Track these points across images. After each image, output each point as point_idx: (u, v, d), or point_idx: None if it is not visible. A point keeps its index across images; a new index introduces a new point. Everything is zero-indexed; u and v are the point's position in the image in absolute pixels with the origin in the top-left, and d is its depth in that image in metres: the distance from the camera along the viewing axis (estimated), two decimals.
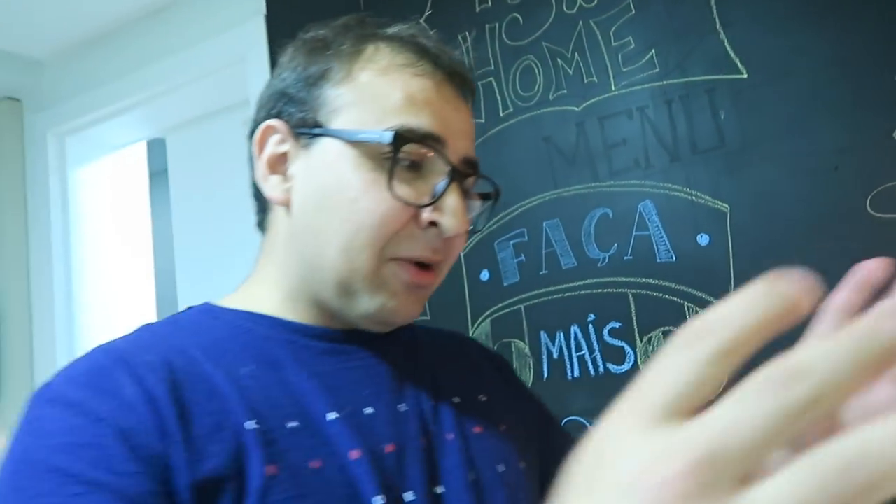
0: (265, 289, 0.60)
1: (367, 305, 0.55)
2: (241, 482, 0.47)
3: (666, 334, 1.13)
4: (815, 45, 1.03)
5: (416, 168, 0.55)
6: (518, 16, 1.29)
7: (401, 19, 0.61)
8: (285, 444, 0.50)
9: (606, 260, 1.19)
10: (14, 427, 0.49)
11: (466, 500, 0.56)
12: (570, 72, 1.24)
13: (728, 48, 1.10)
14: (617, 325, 1.17)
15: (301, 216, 0.57)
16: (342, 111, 0.56)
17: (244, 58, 1.73)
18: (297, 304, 0.59)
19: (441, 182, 0.55)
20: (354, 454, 0.52)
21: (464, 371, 0.68)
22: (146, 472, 0.45)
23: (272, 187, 0.58)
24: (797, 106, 1.04)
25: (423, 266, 0.56)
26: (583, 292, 1.21)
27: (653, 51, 1.16)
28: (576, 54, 1.23)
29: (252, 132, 0.60)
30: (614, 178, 1.19)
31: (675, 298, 1.12)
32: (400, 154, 0.53)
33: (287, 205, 0.58)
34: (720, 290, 1.09)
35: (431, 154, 0.55)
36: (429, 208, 0.54)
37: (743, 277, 1.07)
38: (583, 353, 1.18)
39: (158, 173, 2.46)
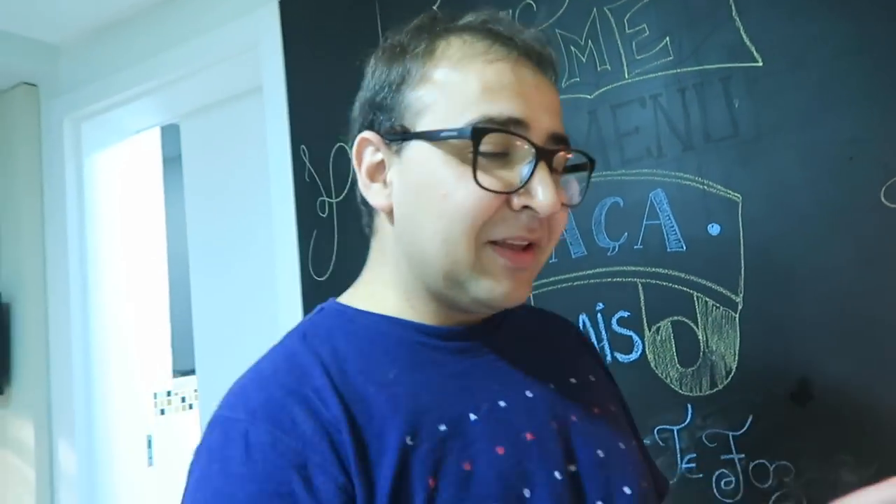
0: (384, 289, 0.63)
1: (475, 292, 0.57)
2: (409, 498, 0.50)
3: (674, 324, 1.12)
4: (832, 34, 1.01)
5: (504, 154, 0.56)
6: (532, 2, 1.29)
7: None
8: (441, 452, 0.53)
9: (616, 249, 1.19)
10: (200, 452, 0.53)
11: (598, 476, 0.59)
12: (584, 59, 1.23)
13: (743, 36, 1.09)
14: (626, 314, 1.17)
15: (402, 218, 0.60)
16: (425, 112, 0.58)
17: (258, 44, 1.73)
18: (417, 302, 0.62)
19: (528, 165, 0.56)
20: (500, 450, 0.55)
21: (572, 354, 0.72)
22: None
23: (374, 195, 0.61)
24: (812, 95, 1.03)
25: (522, 247, 0.58)
26: (592, 281, 1.20)
27: (667, 38, 1.15)
28: (589, 41, 1.23)
29: (352, 146, 0.64)
30: (626, 166, 1.18)
31: (685, 288, 1.12)
32: (482, 146, 0.54)
33: (390, 210, 0.61)
34: (730, 280, 1.08)
35: (516, 140, 0.56)
36: (519, 192, 0.56)
37: (753, 268, 1.06)
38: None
39: (172, 159, 2.48)
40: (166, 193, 2.51)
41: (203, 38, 1.84)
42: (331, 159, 1.60)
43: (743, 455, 1.06)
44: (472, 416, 0.57)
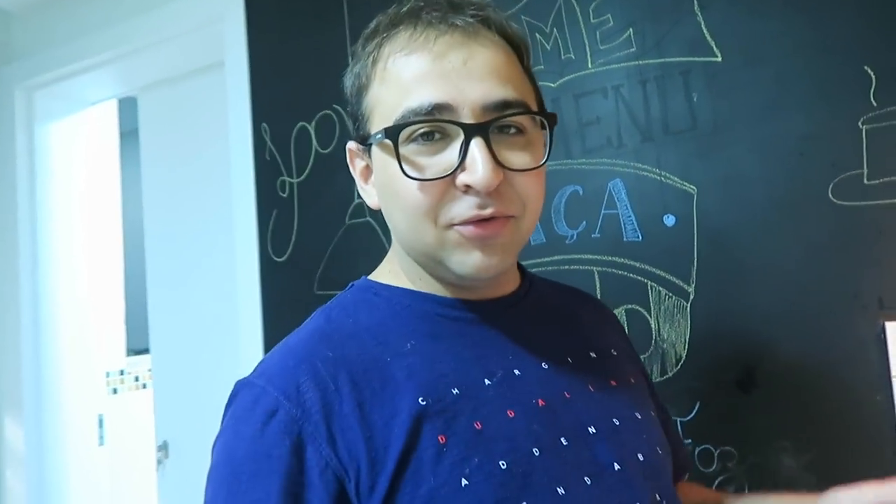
0: (400, 268, 0.68)
1: (453, 267, 0.60)
2: (420, 453, 0.54)
3: (628, 312, 1.14)
4: (790, 32, 1.04)
5: (443, 136, 0.58)
6: None
7: None
8: (452, 412, 0.57)
9: (575, 237, 1.20)
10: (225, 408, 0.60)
11: (615, 440, 0.62)
12: (549, 47, 1.23)
13: (705, 31, 1.10)
14: None
15: (385, 213, 0.65)
16: (372, 116, 0.62)
17: (221, 18, 1.69)
18: (426, 281, 0.66)
19: (461, 144, 0.57)
20: (511, 413, 0.59)
21: (593, 327, 0.75)
22: (317, 485, 0.53)
23: (368, 196, 0.68)
24: (768, 91, 1.05)
25: (486, 218, 0.59)
26: (550, 268, 1.22)
27: (631, 29, 1.16)
28: (554, 29, 1.23)
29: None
30: (587, 155, 1.19)
31: (639, 277, 1.14)
32: (408, 137, 0.58)
33: (379, 208, 0.66)
34: (683, 270, 1.10)
35: (442, 123, 0.57)
36: (459, 171, 0.57)
37: (705, 259, 1.09)
38: None
39: (129, 133, 2.41)
40: (122, 168, 2.45)
41: (164, 8, 1.79)
42: (292, 138, 1.58)
43: (689, 440, 1.09)
44: (487, 381, 0.60)
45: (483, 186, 0.56)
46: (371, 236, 1.44)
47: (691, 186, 1.10)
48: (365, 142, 0.64)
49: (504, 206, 0.58)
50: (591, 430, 0.62)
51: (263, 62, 1.64)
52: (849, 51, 1.00)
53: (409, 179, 0.57)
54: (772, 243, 1.04)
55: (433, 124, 0.57)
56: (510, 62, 0.61)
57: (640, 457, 0.63)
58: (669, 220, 1.12)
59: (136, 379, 2.93)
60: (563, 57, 1.22)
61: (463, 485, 0.53)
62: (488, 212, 0.57)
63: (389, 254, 0.71)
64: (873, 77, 0.98)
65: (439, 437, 0.55)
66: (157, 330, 1.99)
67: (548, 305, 0.73)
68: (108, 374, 2.74)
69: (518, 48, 0.64)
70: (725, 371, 1.07)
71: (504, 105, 0.58)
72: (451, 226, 0.58)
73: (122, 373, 2.86)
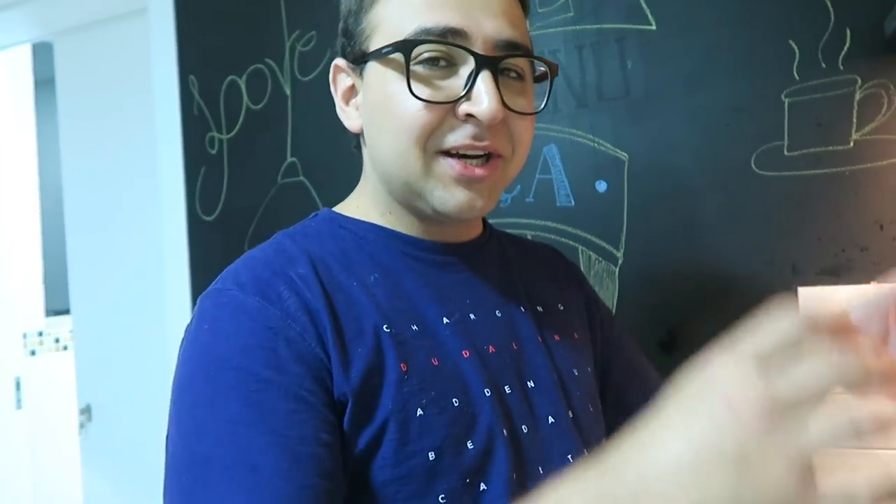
0: (370, 201, 0.67)
1: (431, 201, 0.60)
2: (381, 376, 0.55)
3: None
4: (721, 3, 1.06)
5: (449, 65, 0.58)
6: None
7: None
8: (412, 346, 0.58)
9: (509, 201, 1.21)
10: (191, 323, 0.57)
11: (553, 394, 0.65)
12: None
13: None
14: None
15: (368, 137, 0.64)
16: (375, 33, 0.61)
17: None
18: (395, 216, 0.66)
19: (469, 73, 0.57)
20: (466, 353, 0.61)
21: (546, 282, 0.76)
22: (309, 374, 0.53)
23: (347, 118, 0.66)
24: (699, 61, 1.07)
25: (478, 158, 0.60)
26: None
27: None
28: None
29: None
30: None
31: (571, 242, 1.16)
32: (419, 58, 0.57)
33: (361, 131, 0.65)
34: (613, 236, 1.13)
35: (455, 49, 0.57)
36: (462, 101, 0.58)
37: (634, 225, 1.12)
38: None
39: (45, 81, 2.27)
40: (38, 119, 2.31)
41: None
42: (222, 92, 1.52)
43: None
44: (445, 320, 0.62)
45: (488, 118, 0.56)
46: (304, 196, 1.41)
47: (623, 153, 1.13)
48: (361, 59, 0.62)
49: (498, 143, 0.60)
50: (531, 384, 0.65)
51: (191, 10, 1.56)
52: (775, 24, 1.03)
53: (411, 98, 0.57)
54: (697, 210, 1.08)
55: (447, 47, 0.57)
56: (519, 10, 0.63)
57: (571, 413, 0.66)
58: (601, 186, 1.14)
59: (57, 340, 2.82)
60: None
61: (418, 414, 0.55)
62: (483, 143, 0.59)
63: (359, 187, 0.70)
64: (797, 51, 1.02)
65: (401, 364, 0.57)
66: (77, 290, 1.91)
67: (505, 256, 0.75)
68: (25, 336, 2.63)
69: (525, 3, 0.66)
70: (650, 333, 1.11)
71: (513, 45, 0.59)
72: (440, 153, 0.59)
73: (40, 334, 2.75)
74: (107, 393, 1.82)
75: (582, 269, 1.15)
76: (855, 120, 0.99)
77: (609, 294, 1.14)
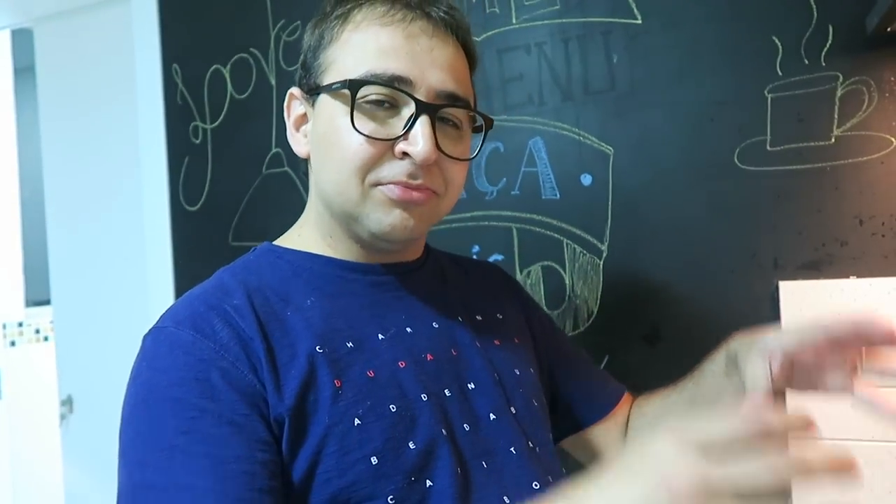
0: (311, 230, 0.72)
1: (368, 225, 0.65)
2: (316, 393, 0.59)
3: (544, 269, 1.17)
4: None
5: (393, 107, 0.63)
6: None
7: None
8: (346, 362, 0.62)
9: (494, 194, 1.21)
10: (135, 360, 0.60)
11: (493, 393, 0.69)
12: (473, 0, 1.22)
13: None
14: (500, 257, 1.21)
15: (314, 164, 0.69)
16: (330, 69, 0.66)
17: None
18: (335, 240, 0.70)
19: (409, 116, 0.63)
20: (402, 364, 0.65)
21: (485, 294, 0.81)
22: (242, 400, 0.56)
23: (297, 143, 0.71)
24: (683, 56, 1.08)
25: (412, 184, 0.64)
26: (469, 224, 1.23)
27: None
28: None
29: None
30: (508, 112, 1.20)
31: (556, 235, 1.17)
32: (364, 97, 0.62)
33: (308, 157, 0.70)
34: (597, 229, 1.14)
35: (399, 94, 0.63)
36: (401, 140, 0.63)
37: (619, 218, 1.12)
38: None
39: (25, 69, 2.24)
40: (17, 107, 2.27)
41: None
42: (206, 82, 1.50)
43: None
44: (380, 336, 0.66)
45: (421, 158, 0.62)
46: (289, 186, 1.41)
47: (608, 147, 1.13)
48: (314, 90, 0.67)
49: (431, 182, 0.64)
50: (471, 385, 0.69)
51: None
52: (759, 20, 1.04)
53: (355, 133, 0.62)
54: (681, 204, 1.09)
55: (392, 91, 0.62)
56: (464, 67, 0.69)
57: (513, 409, 0.70)
58: (586, 180, 1.15)
59: (37, 331, 2.79)
60: (487, 11, 1.21)
61: (356, 424, 0.59)
62: (417, 182, 0.63)
63: (304, 214, 0.74)
64: (780, 47, 1.02)
65: (335, 381, 0.60)
66: (58, 280, 1.89)
67: (444, 273, 0.80)
68: (4, 326, 2.60)
69: (472, 59, 0.71)
70: (634, 326, 1.12)
71: (454, 97, 0.65)
72: (376, 185, 0.63)
73: (20, 325, 2.72)
74: (88, 384, 1.80)
75: (566, 262, 1.16)
76: (836, 116, 1.00)
77: (593, 287, 1.14)
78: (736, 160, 1.05)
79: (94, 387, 1.79)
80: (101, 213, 1.77)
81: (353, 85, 0.62)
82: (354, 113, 0.62)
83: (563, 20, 1.16)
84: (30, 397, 2.60)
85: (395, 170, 0.63)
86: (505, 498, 0.64)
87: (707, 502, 0.37)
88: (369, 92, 0.62)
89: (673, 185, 1.09)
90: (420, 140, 0.62)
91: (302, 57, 0.71)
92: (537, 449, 0.70)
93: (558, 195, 1.17)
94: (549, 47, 1.17)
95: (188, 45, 1.53)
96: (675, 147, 1.09)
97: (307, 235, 0.72)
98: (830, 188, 1.01)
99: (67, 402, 1.81)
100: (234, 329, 0.59)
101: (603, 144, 1.13)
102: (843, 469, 0.38)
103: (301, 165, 0.74)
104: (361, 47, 0.64)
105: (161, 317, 0.63)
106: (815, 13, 1.01)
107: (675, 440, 0.40)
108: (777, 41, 1.03)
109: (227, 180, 1.49)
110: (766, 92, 1.03)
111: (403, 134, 0.63)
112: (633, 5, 1.11)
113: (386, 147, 0.63)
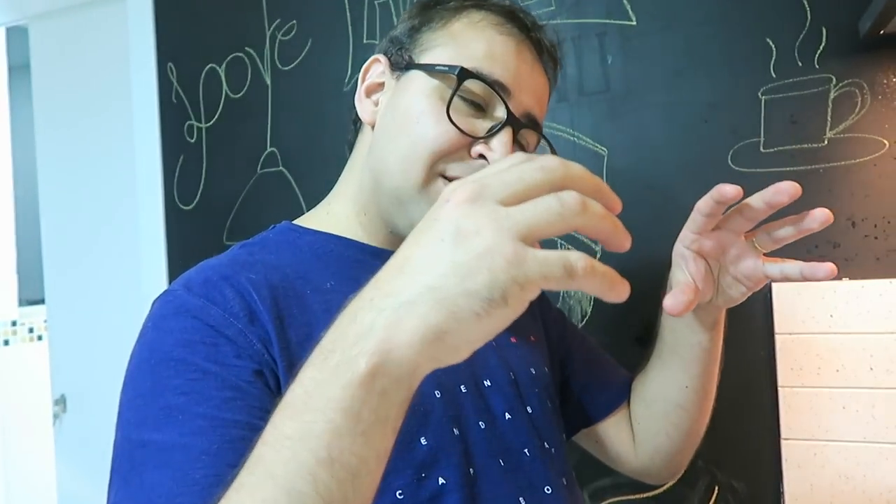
0: (343, 205, 0.71)
1: (413, 214, 0.64)
2: None
3: None
4: (700, 0, 1.07)
5: (482, 108, 0.64)
6: None
7: None
8: None
9: None
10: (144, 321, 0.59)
11: (509, 392, 0.68)
12: None
13: None
14: None
15: (380, 133, 0.67)
16: (432, 50, 0.66)
17: None
18: (369, 218, 0.69)
19: (497, 122, 0.64)
20: None
21: None
22: (249, 368, 0.54)
23: (364, 109, 0.70)
24: (678, 57, 1.08)
25: None
26: None
27: None
28: None
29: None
30: None
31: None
32: (463, 89, 0.62)
33: (373, 125, 0.69)
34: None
35: (495, 97, 0.63)
36: (481, 142, 0.63)
37: None
38: None
39: (19, 67, 2.23)
40: (12, 105, 2.26)
41: None
42: (201, 80, 1.50)
43: None
44: None
45: None
46: (284, 186, 1.40)
47: (602, 148, 1.13)
48: (407, 65, 0.67)
49: None
50: (487, 383, 0.67)
51: None
52: (753, 22, 1.04)
53: (445, 119, 0.62)
54: (674, 205, 1.09)
55: (490, 94, 0.64)
56: (547, 98, 0.72)
57: (529, 409, 0.69)
58: None
59: (31, 330, 2.78)
60: None
61: None
62: None
63: (336, 189, 0.73)
64: (774, 49, 1.03)
65: None
66: (52, 279, 1.88)
67: None
68: None
69: (551, 92, 0.74)
70: (627, 327, 1.12)
71: (536, 122, 0.68)
72: (441, 175, 0.63)
73: (13, 323, 2.70)
74: (81, 384, 1.80)
75: None
76: (829, 118, 1.00)
77: None
78: (730, 162, 1.05)
79: (87, 386, 1.78)
80: (96, 211, 1.77)
81: (463, 73, 0.62)
82: (452, 101, 0.62)
83: (558, 21, 1.16)
84: (23, 397, 2.59)
85: (464, 168, 0.63)
86: (521, 499, 0.63)
87: (488, 200, 0.37)
88: (473, 86, 0.63)
89: (667, 186, 1.09)
90: (500, 147, 0.63)
91: (398, 30, 0.70)
92: (552, 451, 0.69)
93: None
94: None
95: (183, 44, 1.53)
96: (670, 148, 1.09)
97: (337, 212, 0.71)
98: (823, 190, 1.01)
99: (61, 402, 1.81)
100: (245, 301, 0.57)
101: (597, 145, 1.14)
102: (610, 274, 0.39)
103: (349, 136, 0.74)
104: (474, 44, 0.64)
105: (176, 281, 0.61)
106: (809, 15, 1.01)
107: (454, 186, 0.39)
108: (771, 43, 1.03)
109: (221, 179, 1.49)
110: (759, 94, 1.04)
111: (486, 137, 0.63)
112: (628, 7, 1.11)
113: (465, 143, 0.63)
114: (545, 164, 0.39)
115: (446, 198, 0.38)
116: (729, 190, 0.62)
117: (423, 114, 0.63)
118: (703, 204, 0.66)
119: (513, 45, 0.65)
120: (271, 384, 0.55)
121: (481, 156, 0.63)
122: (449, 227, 0.37)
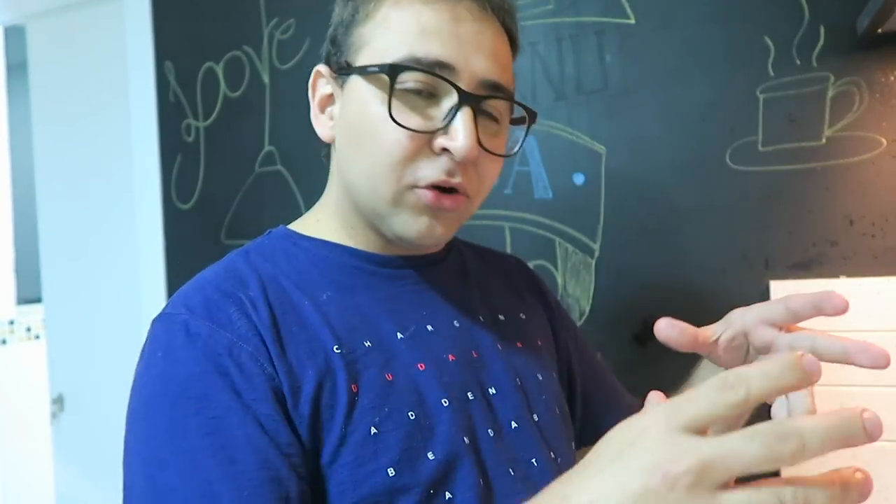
0: (330, 216, 0.67)
1: (394, 227, 0.61)
2: (332, 398, 0.55)
3: (537, 268, 1.17)
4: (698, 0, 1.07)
5: (432, 96, 0.58)
6: None
7: None
8: (363, 363, 0.58)
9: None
10: (145, 348, 0.57)
11: (515, 399, 0.65)
12: None
13: None
14: None
15: (340, 150, 0.63)
16: (364, 48, 0.60)
17: None
18: (356, 230, 0.65)
19: (451, 107, 0.57)
20: (421, 366, 0.60)
21: (508, 292, 0.77)
22: (264, 395, 0.52)
23: (321, 126, 0.66)
24: (676, 56, 1.08)
25: (446, 191, 0.59)
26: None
27: None
28: None
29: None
30: None
31: (548, 234, 1.17)
32: (403, 84, 0.57)
33: (333, 141, 0.65)
34: (590, 228, 1.14)
35: (441, 81, 0.57)
36: (440, 133, 0.57)
37: (611, 217, 1.13)
38: None
39: (17, 66, 2.23)
40: (9, 104, 2.26)
41: None
42: (199, 79, 1.50)
43: None
44: (399, 335, 0.61)
45: (462, 155, 0.57)
46: (282, 185, 1.40)
47: (600, 146, 1.13)
48: (345, 70, 0.61)
49: (467, 181, 0.59)
50: (492, 390, 0.64)
51: None
52: (751, 21, 1.04)
53: (391, 124, 0.56)
54: (673, 203, 1.09)
55: (433, 79, 0.57)
56: (508, 54, 0.63)
57: (536, 417, 0.67)
58: (579, 179, 1.15)
59: (28, 329, 2.78)
60: None
61: (372, 433, 0.55)
62: (456, 181, 0.58)
63: (321, 202, 0.70)
64: (772, 48, 1.03)
65: (352, 386, 0.56)
66: (50, 278, 1.88)
67: (466, 268, 0.75)
68: None
69: (515, 45, 0.65)
70: (625, 324, 1.12)
71: (497, 87, 0.60)
72: (412, 187, 0.58)
73: (11, 322, 2.70)
74: (79, 383, 1.79)
75: (559, 261, 1.16)
76: (827, 116, 1.00)
77: (585, 286, 1.15)
78: (728, 160, 1.05)
79: (85, 385, 1.78)
80: (93, 210, 1.76)
81: (393, 70, 0.56)
82: (392, 102, 0.56)
83: (557, 19, 1.16)
84: (20, 396, 2.58)
85: (432, 169, 0.58)
86: None
87: (703, 482, 0.32)
88: (408, 79, 0.57)
89: (665, 184, 1.09)
90: (461, 135, 0.56)
91: (331, 31, 0.65)
92: (559, 460, 0.67)
93: (551, 194, 1.17)
94: (542, 47, 1.17)
95: (181, 43, 1.53)
96: (668, 147, 1.09)
97: (324, 222, 0.67)
98: (821, 188, 1.01)
99: (58, 401, 1.81)
100: (250, 320, 0.55)
101: (595, 144, 1.14)
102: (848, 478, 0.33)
103: (322, 148, 0.70)
104: (401, 26, 0.58)
105: (171, 301, 0.58)
106: (807, 14, 1.01)
107: (662, 421, 0.34)
108: (769, 42, 1.03)
109: (219, 178, 1.49)
110: (757, 92, 1.04)
111: (443, 127, 0.57)
112: (627, 5, 1.11)
113: (424, 141, 0.57)
114: (766, 438, 0.32)
115: (660, 456, 0.33)
116: (840, 303, 0.54)
117: (372, 125, 0.58)
118: (800, 305, 0.58)
119: (446, 13, 0.58)
120: (284, 408, 0.53)
121: (445, 149, 0.58)
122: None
